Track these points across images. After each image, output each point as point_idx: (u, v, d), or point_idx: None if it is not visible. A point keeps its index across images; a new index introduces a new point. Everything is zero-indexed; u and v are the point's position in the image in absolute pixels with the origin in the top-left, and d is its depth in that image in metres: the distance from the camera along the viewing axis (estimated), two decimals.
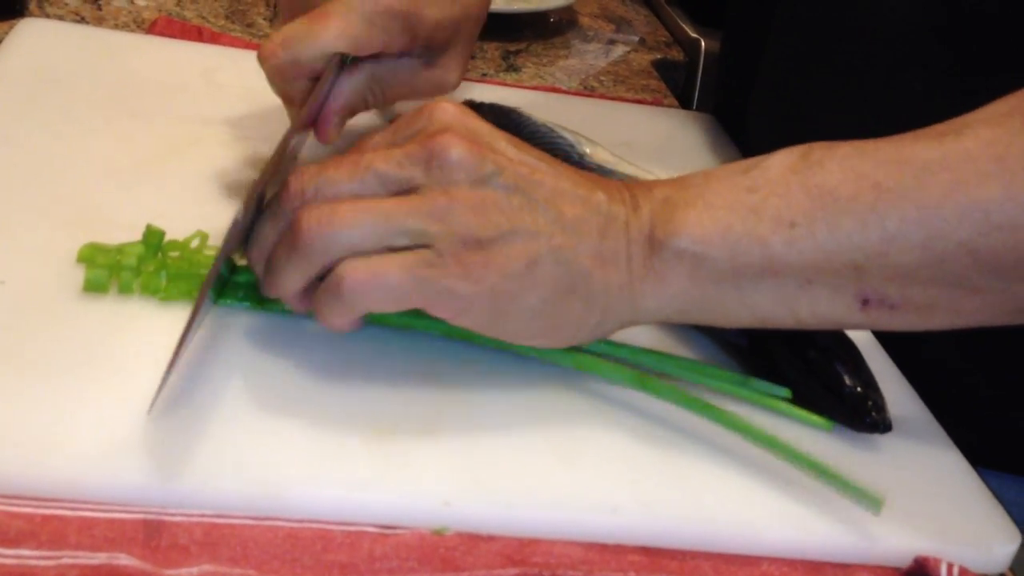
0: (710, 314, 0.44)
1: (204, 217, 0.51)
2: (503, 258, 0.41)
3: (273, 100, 0.61)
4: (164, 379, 0.40)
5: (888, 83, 0.61)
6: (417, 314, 0.44)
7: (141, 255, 0.47)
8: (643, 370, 0.48)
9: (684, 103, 0.96)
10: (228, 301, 0.47)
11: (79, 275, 0.46)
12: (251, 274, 0.46)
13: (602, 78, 0.90)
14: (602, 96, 0.85)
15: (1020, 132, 0.40)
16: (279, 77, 0.51)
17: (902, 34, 0.60)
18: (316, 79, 0.51)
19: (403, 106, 0.57)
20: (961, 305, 0.42)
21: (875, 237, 0.41)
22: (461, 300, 0.42)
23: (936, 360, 0.59)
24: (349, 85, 0.52)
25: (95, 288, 0.46)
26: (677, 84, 0.98)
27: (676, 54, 1.01)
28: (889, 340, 0.57)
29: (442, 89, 0.57)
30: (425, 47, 0.53)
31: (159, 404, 0.40)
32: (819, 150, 0.43)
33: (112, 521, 0.37)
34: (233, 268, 0.47)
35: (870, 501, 0.43)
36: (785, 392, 0.48)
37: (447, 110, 0.44)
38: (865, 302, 0.42)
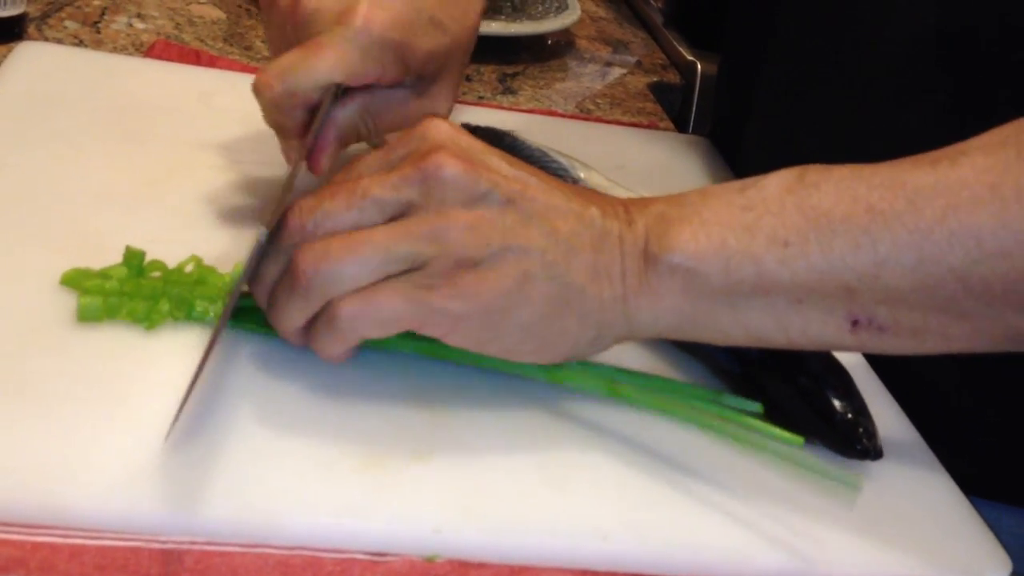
0: (703, 330, 0.44)
1: (199, 241, 0.52)
2: (495, 276, 0.42)
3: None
4: (180, 409, 0.40)
5: (884, 111, 0.62)
6: (408, 336, 0.45)
7: (124, 277, 0.47)
8: (616, 381, 0.48)
9: (680, 126, 0.96)
10: (241, 325, 0.48)
11: (72, 300, 0.46)
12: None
13: (598, 100, 0.90)
14: (598, 119, 0.85)
15: (1015, 161, 0.40)
16: (275, 108, 0.51)
17: (899, 62, 0.60)
18: (311, 110, 0.51)
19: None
20: (950, 330, 0.42)
21: (867, 259, 0.41)
22: (453, 319, 0.42)
23: (932, 387, 0.59)
24: (342, 116, 0.52)
25: (89, 317, 0.46)
26: (673, 107, 0.99)
27: (673, 77, 1.01)
28: (885, 367, 0.57)
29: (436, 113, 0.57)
30: (417, 77, 0.54)
31: (175, 433, 0.40)
32: (815, 172, 0.43)
33: (102, 548, 0.37)
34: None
35: (847, 485, 0.43)
36: (757, 407, 0.48)
37: (440, 128, 0.44)
38: (855, 323, 0.43)
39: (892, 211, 0.41)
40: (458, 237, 0.42)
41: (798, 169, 0.44)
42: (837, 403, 0.49)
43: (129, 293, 0.47)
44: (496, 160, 0.44)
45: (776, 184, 0.43)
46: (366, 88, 0.52)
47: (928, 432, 0.54)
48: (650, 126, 0.86)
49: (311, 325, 0.44)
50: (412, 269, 0.42)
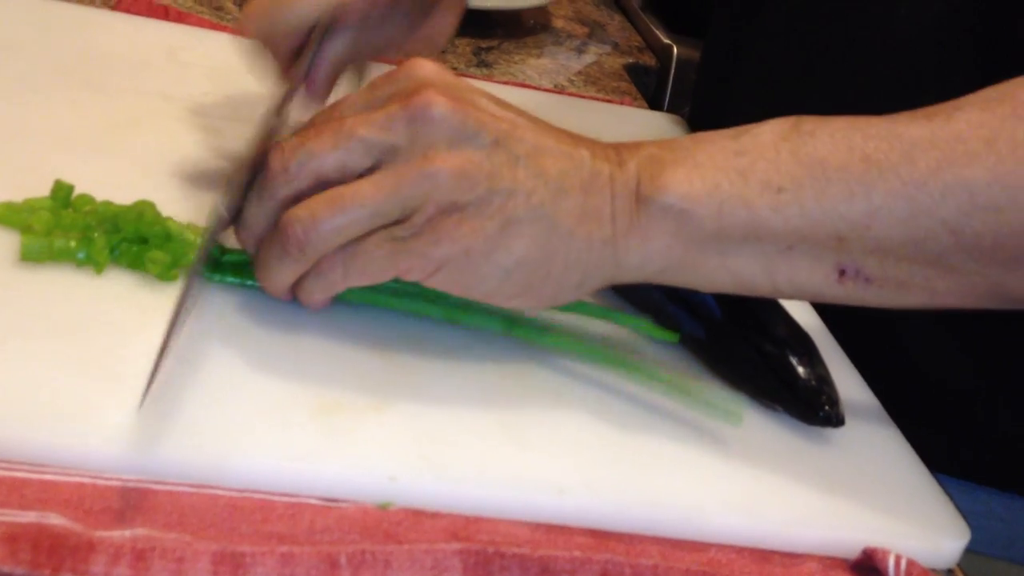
0: (690, 274, 0.44)
1: (156, 189, 0.51)
2: (478, 219, 0.41)
3: (237, 80, 0.60)
4: (153, 371, 0.38)
5: (877, 98, 0.61)
6: (375, 290, 0.44)
7: (49, 208, 0.46)
8: (512, 318, 0.47)
9: (654, 107, 0.96)
10: (217, 277, 0.47)
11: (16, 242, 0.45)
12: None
13: (573, 79, 0.90)
14: (572, 94, 0.85)
15: (1010, 117, 0.40)
16: (263, 43, 0.50)
17: (898, 49, 0.60)
18: (301, 47, 0.50)
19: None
20: (936, 284, 0.42)
21: (860, 209, 0.41)
22: (433, 262, 0.42)
23: (933, 373, 0.59)
24: (336, 45, 0.51)
25: (32, 257, 0.44)
26: (648, 89, 0.99)
27: (648, 59, 1.01)
28: (890, 354, 0.57)
29: (431, 46, 0.56)
30: (413, 2, 0.52)
31: (150, 396, 0.39)
32: (810, 121, 0.43)
33: (44, 483, 0.36)
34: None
35: (729, 415, 0.44)
36: (670, 336, 0.48)
37: (425, 66, 0.43)
38: (842, 273, 0.42)
39: (887, 162, 0.41)
40: (445, 183, 0.41)
41: (792, 118, 0.43)
42: (800, 370, 0.49)
43: (63, 226, 0.45)
44: (484, 100, 0.43)
45: (771, 131, 0.43)
46: (361, 14, 0.51)
47: (928, 417, 0.53)
48: (624, 104, 0.85)
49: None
50: (400, 218, 0.42)
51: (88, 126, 0.57)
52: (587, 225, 0.43)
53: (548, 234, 0.42)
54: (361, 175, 0.42)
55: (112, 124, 0.57)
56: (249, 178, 0.44)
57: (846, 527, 0.44)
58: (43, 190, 0.49)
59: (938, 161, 0.40)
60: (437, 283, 0.43)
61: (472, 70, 0.85)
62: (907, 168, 0.40)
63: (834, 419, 0.48)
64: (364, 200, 0.41)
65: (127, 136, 0.57)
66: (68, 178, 0.50)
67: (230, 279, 0.47)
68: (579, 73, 0.91)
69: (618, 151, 0.44)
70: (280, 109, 0.47)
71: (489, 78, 0.84)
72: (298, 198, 0.43)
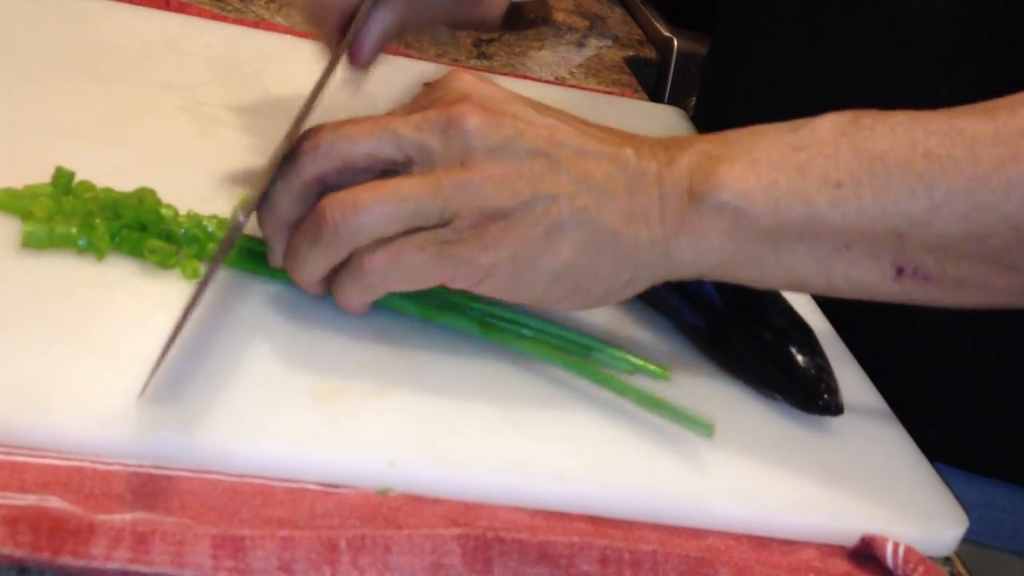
0: (745, 272, 0.43)
1: (157, 178, 0.50)
2: (523, 225, 0.41)
3: (237, 69, 0.60)
4: (160, 359, 0.38)
5: (880, 94, 0.61)
6: (395, 296, 0.45)
7: (49, 195, 0.46)
8: (490, 320, 0.47)
9: (655, 100, 0.96)
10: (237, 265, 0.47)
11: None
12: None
13: (574, 71, 0.90)
14: (573, 86, 0.84)
15: None
16: (312, 15, 0.50)
17: (915, 45, 0.59)
18: (350, 21, 0.50)
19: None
20: (994, 282, 0.42)
21: (921, 205, 0.40)
22: (480, 270, 0.42)
23: (945, 364, 0.59)
24: (385, 14, 0.50)
25: (33, 244, 0.44)
26: (648, 81, 0.99)
27: (649, 52, 1.01)
28: (904, 345, 0.57)
29: (484, 18, 0.55)
30: None
31: (151, 385, 0.39)
32: (869, 116, 0.42)
33: (44, 467, 0.36)
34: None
35: (701, 427, 0.44)
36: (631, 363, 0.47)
37: (465, 79, 0.44)
38: (900, 271, 0.42)
39: (949, 157, 0.40)
40: (486, 190, 0.41)
41: (851, 112, 0.43)
42: (800, 359, 0.49)
43: (64, 212, 0.45)
44: (523, 108, 0.43)
45: (829, 126, 0.42)
46: None
47: (940, 410, 0.53)
48: (625, 95, 0.85)
49: (333, 276, 0.43)
50: (439, 223, 0.42)
51: (88, 116, 0.57)
52: (634, 226, 0.42)
53: (593, 237, 0.42)
54: (389, 173, 0.42)
55: (112, 113, 0.57)
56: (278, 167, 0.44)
57: (844, 514, 0.44)
58: (44, 179, 0.49)
59: (1001, 157, 0.40)
60: (485, 290, 0.42)
61: (472, 62, 0.85)
62: (970, 164, 0.40)
63: (833, 407, 0.48)
64: (407, 195, 0.41)
65: (127, 125, 0.57)
66: (69, 167, 0.50)
67: (253, 269, 0.47)
68: (580, 66, 0.91)
69: (667, 148, 0.44)
70: (324, 83, 0.47)
71: (490, 70, 0.84)
72: (323, 180, 0.43)
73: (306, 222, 0.43)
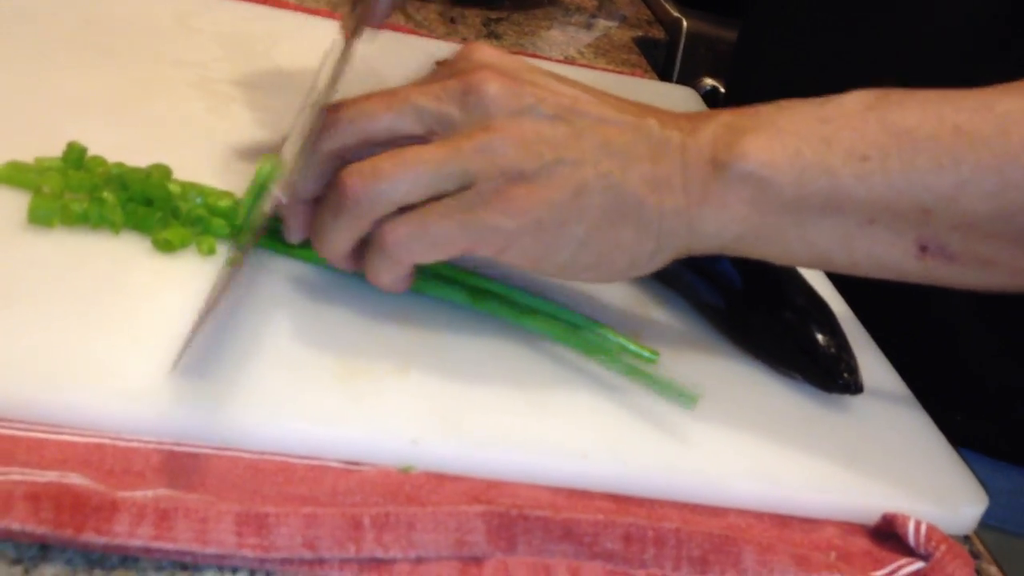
0: (767, 245, 0.43)
1: (168, 153, 0.50)
2: (547, 189, 0.41)
3: (246, 45, 0.60)
4: (191, 337, 0.38)
5: (906, 75, 0.61)
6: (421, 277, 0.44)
7: (60, 170, 0.45)
8: (478, 290, 0.47)
9: (664, 80, 0.95)
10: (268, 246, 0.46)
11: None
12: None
13: (583, 50, 0.89)
14: (582, 65, 0.84)
15: None
16: None
17: (923, 31, 0.59)
18: None
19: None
20: (1019, 263, 0.41)
21: (948, 180, 0.40)
22: (505, 236, 0.41)
23: (960, 349, 0.58)
24: None
25: (40, 220, 0.44)
26: (657, 62, 0.98)
27: (657, 32, 1.00)
28: (923, 339, 0.56)
29: None
30: None
31: (183, 361, 0.38)
32: (899, 92, 0.42)
33: (63, 443, 0.36)
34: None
35: (685, 399, 0.44)
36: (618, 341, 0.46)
37: (484, 50, 0.43)
38: (923, 249, 0.41)
39: (979, 134, 0.40)
40: (508, 150, 0.40)
41: (879, 89, 0.42)
42: (820, 338, 0.49)
43: (72, 186, 0.45)
44: (543, 77, 0.43)
45: (857, 100, 0.42)
46: None
47: (964, 405, 0.53)
48: (634, 75, 0.85)
49: (361, 252, 0.43)
50: (462, 188, 0.41)
51: (99, 92, 0.56)
52: (658, 193, 0.42)
53: (618, 203, 0.41)
54: (412, 144, 0.42)
55: (123, 90, 0.57)
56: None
57: (864, 493, 0.43)
58: (55, 155, 0.49)
59: None
60: (509, 258, 0.42)
61: (482, 40, 0.84)
62: (1000, 141, 0.39)
63: (853, 386, 0.48)
64: (427, 160, 0.41)
65: (138, 102, 0.56)
66: (80, 143, 0.50)
67: (280, 248, 0.46)
68: (589, 45, 0.91)
69: (691, 119, 0.43)
70: (344, 59, 0.46)
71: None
72: (342, 155, 0.42)
73: (327, 195, 0.42)
